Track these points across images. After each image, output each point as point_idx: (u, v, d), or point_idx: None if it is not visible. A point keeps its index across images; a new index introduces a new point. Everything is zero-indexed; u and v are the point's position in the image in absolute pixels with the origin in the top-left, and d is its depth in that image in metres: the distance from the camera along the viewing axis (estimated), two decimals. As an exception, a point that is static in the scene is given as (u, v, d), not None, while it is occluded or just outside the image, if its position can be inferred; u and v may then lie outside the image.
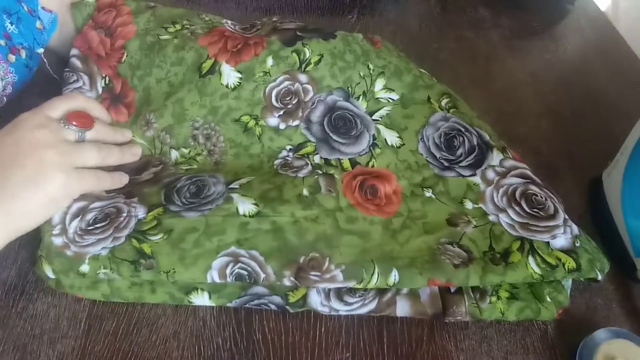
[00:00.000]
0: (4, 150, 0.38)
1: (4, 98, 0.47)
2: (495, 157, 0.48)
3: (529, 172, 0.47)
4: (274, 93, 0.49)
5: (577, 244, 0.42)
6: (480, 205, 0.45)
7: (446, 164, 0.48)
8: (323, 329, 0.41)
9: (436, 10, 0.70)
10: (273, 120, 0.49)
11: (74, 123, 0.42)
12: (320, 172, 0.47)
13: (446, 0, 0.71)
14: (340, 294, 0.41)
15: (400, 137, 0.50)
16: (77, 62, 0.50)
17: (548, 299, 0.42)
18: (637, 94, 0.62)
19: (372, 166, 0.48)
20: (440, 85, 0.54)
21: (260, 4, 0.69)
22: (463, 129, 0.50)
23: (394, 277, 0.40)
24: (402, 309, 0.41)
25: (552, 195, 0.45)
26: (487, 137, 0.49)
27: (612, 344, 0.39)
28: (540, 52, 0.67)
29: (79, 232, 0.40)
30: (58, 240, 0.40)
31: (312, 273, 0.40)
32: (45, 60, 0.50)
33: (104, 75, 0.49)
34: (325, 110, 0.50)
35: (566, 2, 0.74)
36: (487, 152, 0.48)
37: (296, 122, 0.49)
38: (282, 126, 0.49)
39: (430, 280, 0.40)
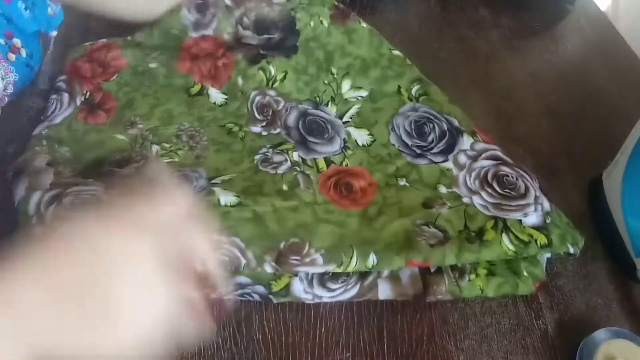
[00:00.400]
0: None
1: (5, 98, 0.47)
2: (466, 142, 0.50)
3: (499, 154, 0.49)
4: (253, 107, 0.52)
5: (548, 221, 0.44)
6: (454, 189, 0.47)
7: (418, 151, 0.50)
8: (323, 329, 0.41)
9: (436, 10, 0.70)
10: (256, 129, 0.51)
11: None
12: (298, 169, 0.48)
13: (446, 0, 0.71)
14: (322, 280, 0.42)
15: (370, 134, 0.51)
16: (62, 85, 0.52)
17: (525, 274, 0.43)
18: (637, 94, 0.62)
19: (346, 165, 0.49)
20: (412, 70, 0.55)
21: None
22: (432, 117, 0.52)
23: (372, 260, 0.41)
24: (384, 292, 0.42)
25: (524, 174, 0.47)
26: (457, 123, 0.51)
27: (612, 344, 0.39)
28: (540, 52, 0.67)
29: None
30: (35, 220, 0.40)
31: (292, 257, 0.41)
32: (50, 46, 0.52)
33: (84, 92, 0.52)
34: (299, 115, 0.52)
35: (566, 2, 0.74)
36: (457, 137, 0.50)
37: (277, 130, 0.51)
38: (264, 133, 0.51)
39: (408, 261, 0.41)
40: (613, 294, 0.45)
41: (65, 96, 0.51)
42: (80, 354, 0.26)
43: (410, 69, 0.55)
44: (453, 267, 0.43)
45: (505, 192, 0.46)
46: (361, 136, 0.51)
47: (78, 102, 0.51)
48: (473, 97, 0.55)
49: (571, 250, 0.43)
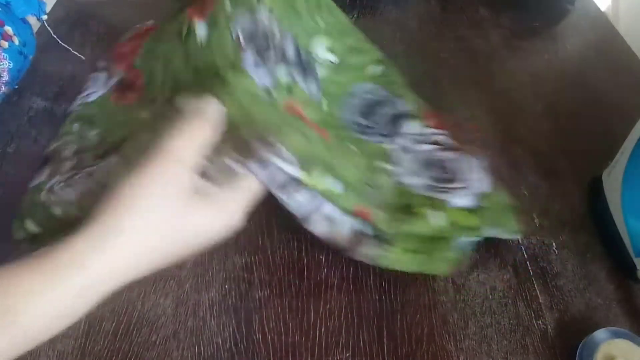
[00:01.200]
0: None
1: (2, 86, 0.47)
2: (413, 126, 0.49)
3: (444, 138, 0.48)
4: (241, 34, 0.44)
5: (481, 204, 0.44)
6: (391, 167, 0.46)
7: (362, 129, 0.49)
8: (323, 329, 0.41)
9: (436, 10, 0.70)
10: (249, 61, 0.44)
11: None
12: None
13: (446, 0, 0.71)
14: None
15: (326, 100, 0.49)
16: (102, 64, 0.51)
17: (447, 254, 0.43)
18: (637, 94, 0.62)
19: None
20: (375, 52, 0.54)
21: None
22: (384, 99, 0.51)
23: (339, 188, 0.41)
24: (322, 227, 0.41)
25: (466, 157, 0.47)
26: (408, 107, 0.51)
27: (612, 344, 0.39)
28: (540, 52, 0.67)
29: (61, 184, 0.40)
30: (44, 196, 0.40)
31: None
32: (49, 29, 0.53)
33: (119, 71, 0.50)
34: (293, 46, 0.47)
35: (566, 2, 0.74)
36: (405, 121, 0.49)
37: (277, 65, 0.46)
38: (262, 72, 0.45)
39: (356, 210, 0.41)
40: (613, 294, 0.45)
41: (102, 76, 0.50)
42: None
43: (374, 49, 0.54)
44: (381, 238, 0.43)
45: (440, 175, 0.46)
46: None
47: (113, 83, 0.50)
48: (473, 97, 0.55)
49: (504, 236, 0.44)
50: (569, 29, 0.71)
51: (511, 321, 0.43)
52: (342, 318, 0.42)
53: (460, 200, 0.44)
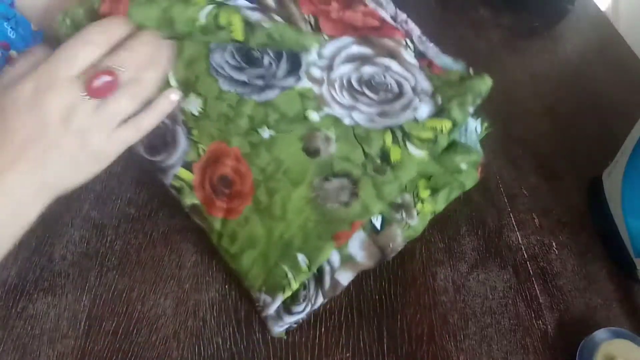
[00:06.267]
0: (25, 122, 0.34)
1: None
2: (312, 51, 0.39)
3: (354, 47, 0.40)
4: None
5: (439, 101, 0.39)
6: (326, 110, 0.39)
7: (261, 82, 0.39)
8: (323, 329, 0.41)
9: (436, 10, 0.70)
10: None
11: (92, 95, 0.35)
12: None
13: (446, 0, 0.71)
14: (286, 308, 0.39)
15: (199, 94, 0.39)
16: None
17: (463, 167, 0.40)
18: (637, 94, 0.62)
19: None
20: None
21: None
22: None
23: (303, 261, 0.37)
24: (346, 277, 0.38)
25: (388, 60, 0.40)
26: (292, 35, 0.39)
27: (612, 344, 0.39)
28: (540, 52, 0.67)
29: None
30: None
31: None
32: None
33: None
34: None
35: (566, 2, 0.74)
36: (299, 51, 0.40)
37: None
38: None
39: (336, 237, 0.36)
40: (613, 294, 0.45)
41: None
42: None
43: None
44: (395, 208, 0.38)
45: (381, 95, 0.39)
46: (192, 103, 0.39)
47: None
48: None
49: (478, 101, 0.39)
50: (569, 29, 0.71)
51: (511, 321, 0.43)
52: (342, 318, 0.42)
53: (422, 111, 0.38)
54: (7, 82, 0.35)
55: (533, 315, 0.44)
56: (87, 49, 0.35)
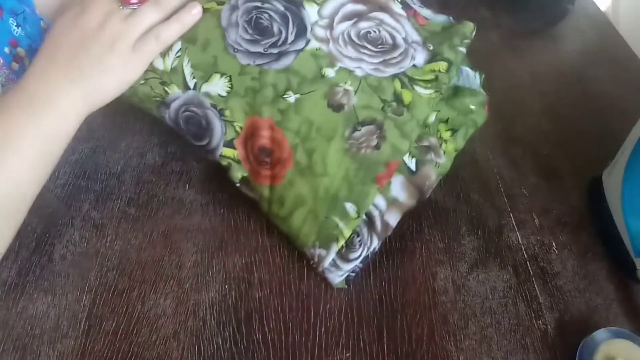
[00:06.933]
0: (69, 37, 0.40)
1: None
2: (310, 12, 0.43)
3: (349, 5, 0.44)
4: None
5: (430, 47, 0.44)
6: (339, 64, 0.42)
7: (275, 50, 0.42)
8: (323, 329, 0.41)
9: (436, 10, 0.70)
10: None
11: (127, 3, 0.41)
12: None
13: (446, 0, 0.71)
14: (343, 256, 0.41)
15: (214, 65, 0.42)
16: None
17: (473, 107, 0.45)
18: (637, 94, 0.62)
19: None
20: None
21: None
22: (260, 6, 0.42)
23: (351, 209, 0.40)
24: (394, 218, 0.42)
25: (381, 17, 0.44)
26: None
27: (612, 344, 0.39)
28: (540, 52, 0.67)
29: None
30: None
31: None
32: None
33: None
34: None
35: (566, 2, 0.74)
36: (300, 13, 0.43)
37: None
38: None
39: (377, 180, 0.40)
40: (613, 294, 0.45)
41: None
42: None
43: None
44: (423, 152, 0.42)
45: (380, 48, 0.43)
46: (217, 84, 0.42)
47: None
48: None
49: (465, 42, 0.44)
50: (569, 29, 0.71)
51: (511, 321, 0.43)
52: (342, 318, 0.42)
53: (419, 58, 0.43)
54: (61, 9, 0.42)
55: (533, 315, 0.44)
56: None
